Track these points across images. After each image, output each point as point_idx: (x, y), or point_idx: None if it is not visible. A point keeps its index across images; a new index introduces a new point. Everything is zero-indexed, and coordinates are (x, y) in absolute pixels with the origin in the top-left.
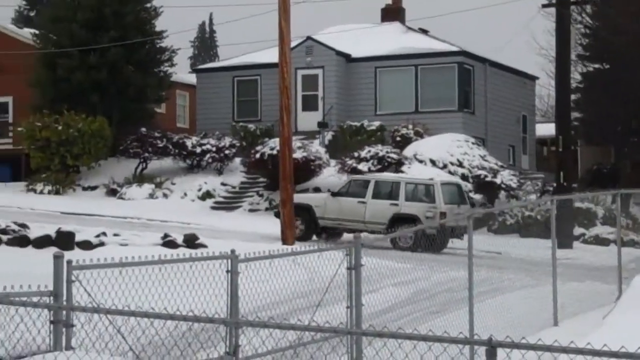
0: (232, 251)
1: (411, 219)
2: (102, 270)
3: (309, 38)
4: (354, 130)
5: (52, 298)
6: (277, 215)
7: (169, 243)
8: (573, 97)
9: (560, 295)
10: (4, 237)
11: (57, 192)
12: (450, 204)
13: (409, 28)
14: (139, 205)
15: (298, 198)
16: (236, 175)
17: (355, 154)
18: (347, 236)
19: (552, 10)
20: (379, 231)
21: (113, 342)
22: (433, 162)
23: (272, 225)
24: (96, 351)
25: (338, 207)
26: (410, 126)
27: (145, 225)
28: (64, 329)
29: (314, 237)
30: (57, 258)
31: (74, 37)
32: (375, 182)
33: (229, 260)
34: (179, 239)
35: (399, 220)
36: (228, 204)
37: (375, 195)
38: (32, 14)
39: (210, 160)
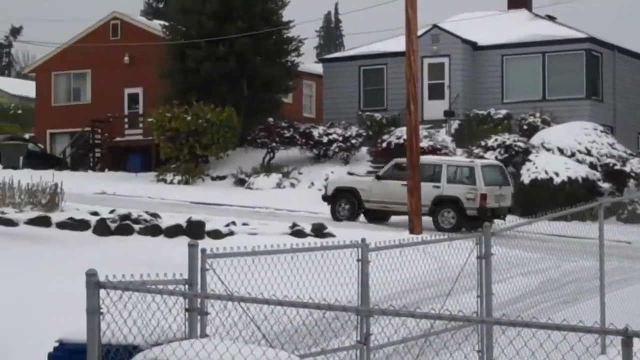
0: (363, 240)
1: (453, 201)
2: (235, 258)
3: (435, 26)
4: (480, 118)
5: (186, 286)
6: (324, 198)
7: (297, 232)
8: None
9: None
10: (136, 227)
11: (186, 182)
12: (492, 186)
13: (536, 15)
14: (267, 194)
15: (343, 182)
16: (362, 165)
17: (482, 143)
18: (394, 218)
19: None
20: (424, 213)
21: (246, 330)
22: (561, 151)
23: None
24: (230, 339)
25: (382, 189)
26: (538, 114)
27: (273, 214)
28: (198, 317)
29: (361, 219)
30: (192, 247)
31: (202, 28)
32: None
33: (360, 249)
34: (307, 228)
35: (441, 202)
36: None
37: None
38: (160, 5)
39: (336, 149)
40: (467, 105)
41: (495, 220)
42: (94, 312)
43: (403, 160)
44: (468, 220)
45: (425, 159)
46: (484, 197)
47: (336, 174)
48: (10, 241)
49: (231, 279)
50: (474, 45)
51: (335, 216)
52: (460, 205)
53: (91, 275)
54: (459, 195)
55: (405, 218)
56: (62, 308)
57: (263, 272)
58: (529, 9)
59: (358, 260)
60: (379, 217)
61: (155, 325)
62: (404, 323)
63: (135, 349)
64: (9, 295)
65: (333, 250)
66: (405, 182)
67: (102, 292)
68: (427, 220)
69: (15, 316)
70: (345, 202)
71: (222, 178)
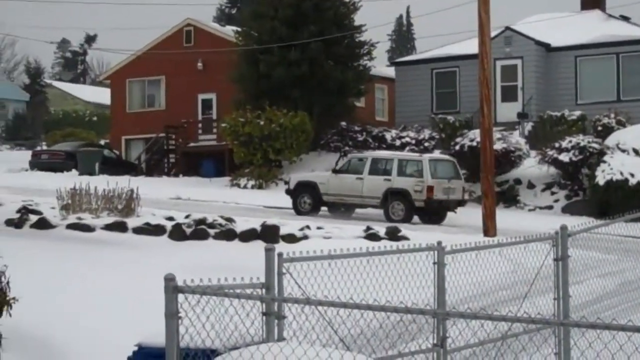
0: (439, 243)
1: (402, 193)
2: (310, 262)
3: (507, 28)
4: (554, 120)
5: (263, 290)
6: (287, 192)
7: (371, 236)
8: None
9: None
10: (212, 231)
11: (259, 187)
12: (440, 179)
13: (610, 15)
14: None
15: (304, 177)
16: None
17: (556, 145)
18: (359, 211)
19: None
20: (374, 205)
21: (323, 334)
22: (636, 152)
23: (473, 216)
24: (307, 342)
25: (339, 183)
26: (612, 115)
27: (347, 218)
28: (276, 321)
29: (322, 213)
30: (269, 251)
31: (275, 33)
32: (372, 159)
33: (436, 252)
34: (381, 232)
35: (392, 194)
36: None
37: (372, 172)
38: (233, 11)
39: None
40: (541, 106)
41: (448, 213)
42: (172, 316)
43: (358, 155)
44: (417, 211)
45: (378, 153)
46: (430, 189)
47: None
48: (87, 246)
49: (307, 283)
50: (547, 47)
51: (298, 210)
52: (409, 197)
53: (169, 279)
54: (407, 188)
55: (367, 211)
56: (140, 312)
57: (339, 276)
58: (603, 9)
59: (434, 263)
60: (342, 210)
61: (233, 329)
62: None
63: (213, 353)
64: (88, 300)
65: (409, 253)
66: (360, 176)
67: (180, 297)
68: (378, 212)
69: (94, 320)
70: (306, 195)
71: None
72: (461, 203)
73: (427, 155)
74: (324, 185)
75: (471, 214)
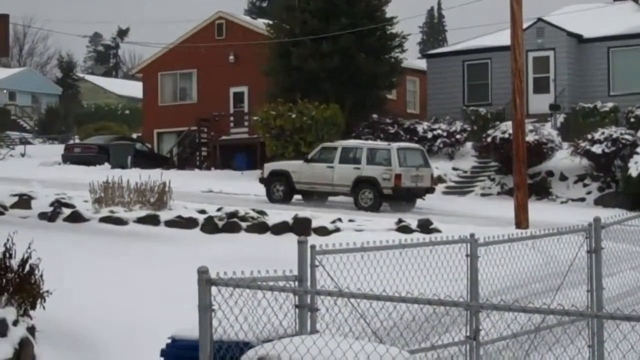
0: (472, 235)
1: (371, 181)
2: (343, 255)
3: (539, 20)
4: (586, 112)
5: (296, 283)
6: (261, 181)
7: (403, 228)
8: None
9: None
10: (244, 224)
11: None
12: (408, 167)
13: None
14: None
15: (277, 165)
16: (467, 160)
17: (589, 136)
18: (332, 199)
19: None
20: (345, 193)
21: (356, 327)
22: None
23: (505, 209)
24: (341, 335)
25: (311, 172)
26: None
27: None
28: (309, 313)
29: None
30: (301, 243)
31: (306, 26)
32: (342, 149)
33: (469, 244)
34: (413, 224)
35: (361, 182)
36: (460, 189)
37: (342, 160)
38: (264, 4)
39: (441, 145)
40: (573, 98)
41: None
42: (205, 309)
43: (330, 144)
44: (385, 199)
45: (347, 142)
46: (398, 177)
47: (440, 169)
48: (120, 239)
49: (340, 275)
50: (579, 38)
51: (271, 197)
52: (378, 185)
53: (203, 272)
54: (376, 176)
55: (340, 199)
56: (173, 305)
57: (372, 268)
58: (635, 0)
59: (467, 255)
60: (315, 198)
61: (266, 322)
62: (515, 318)
63: (246, 346)
64: (121, 293)
65: (441, 245)
66: (330, 165)
67: (214, 289)
68: (348, 200)
69: (127, 313)
70: (279, 184)
71: None
72: (429, 190)
73: (395, 144)
74: (296, 174)
75: (503, 206)
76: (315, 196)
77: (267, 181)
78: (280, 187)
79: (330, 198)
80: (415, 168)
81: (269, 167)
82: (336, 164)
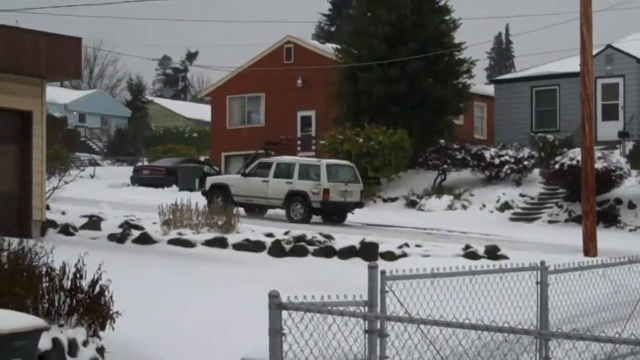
0: (542, 263)
1: (301, 195)
2: (413, 280)
3: (609, 46)
4: None
5: (366, 308)
6: (203, 193)
7: (470, 254)
8: None
9: None
10: (311, 248)
11: None
12: (337, 182)
13: None
14: (438, 216)
15: (217, 179)
16: (534, 186)
17: None
18: (271, 212)
19: None
20: (278, 206)
21: (426, 353)
22: None
23: (572, 236)
24: None
25: (247, 185)
26: None
27: (445, 236)
28: (378, 339)
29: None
30: (372, 268)
31: (374, 51)
32: (277, 164)
33: (539, 272)
34: (480, 250)
35: (293, 195)
36: (527, 215)
37: (276, 175)
38: (332, 29)
39: (508, 171)
40: None
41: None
42: (276, 333)
43: (266, 160)
44: (315, 212)
45: (282, 158)
46: (326, 191)
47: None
48: (188, 261)
49: (410, 301)
50: None
51: (211, 209)
52: (308, 198)
53: (274, 296)
54: (306, 190)
55: (278, 212)
56: (242, 328)
57: (442, 295)
58: None
59: (537, 282)
60: (256, 211)
61: (336, 347)
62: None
63: None
64: (190, 315)
65: (511, 272)
66: (265, 179)
67: (284, 313)
68: (280, 212)
69: (197, 336)
70: (219, 196)
71: (394, 200)
72: (358, 205)
73: (325, 161)
74: (234, 187)
75: (570, 234)
76: (256, 209)
77: (208, 193)
78: (220, 199)
79: (271, 211)
80: (345, 183)
81: (210, 180)
82: (271, 178)
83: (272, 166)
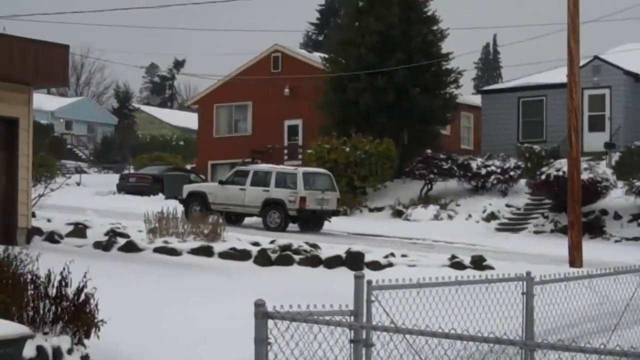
0: (528, 273)
1: (278, 203)
2: (399, 290)
3: (596, 57)
4: None
5: (352, 317)
6: (180, 201)
7: (456, 264)
8: None
9: None
10: (297, 257)
11: (344, 213)
12: (314, 190)
13: None
14: (424, 226)
15: (195, 187)
16: (521, 197)
17: None
18: (248, 220)
19: None
20: (255, 213)
21: None
22: None
23: (558, 247)
24: None
25: (225, 193)
26: None
27: (431, 246)
28: (364, 349)
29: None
30: (358, 278)
31: (362, 60)
32: (254, 172)
33: (525, 283)
34: (466, 261)
35: (269, 203)
36: (513, 226)
37: (253, 183)
38: (320, 38)
39: (495, 181)
40: (629, 137)
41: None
42: (262, 342)
43: (243, 168)
44: (292, 220)
45: (259, 167)
46: (303, 199)
47: (493, 205)
48: (174, 270)
49: (396, 311)
50: (635, 77)
51: (188, 216)
52: (284, 206)
53: (260, 305)
54: (283, 198)
55: (254, 219)
56: (227, 336)
57: (427, 305)
58: None
59: (523, 293)
60: (233, 219)
61: (322, 356)
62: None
63: None
64: (175, 323)
65: (497, 283)
66: (242, 187)
67: (270, 323)
68: (257, 220)
69: (182, 344)
70: (196, 203)
71: (380, 209)
72: (335, 213)
73: (301, 169)
74: (212, 195)
75: (556, 244)
76: (233, 217)
77: (185, 201)
78: (197, 207)
79: (248, 219)
80: (321, 192)
81: (188, 188)
82: (248, 186)
83: (250, 174)
